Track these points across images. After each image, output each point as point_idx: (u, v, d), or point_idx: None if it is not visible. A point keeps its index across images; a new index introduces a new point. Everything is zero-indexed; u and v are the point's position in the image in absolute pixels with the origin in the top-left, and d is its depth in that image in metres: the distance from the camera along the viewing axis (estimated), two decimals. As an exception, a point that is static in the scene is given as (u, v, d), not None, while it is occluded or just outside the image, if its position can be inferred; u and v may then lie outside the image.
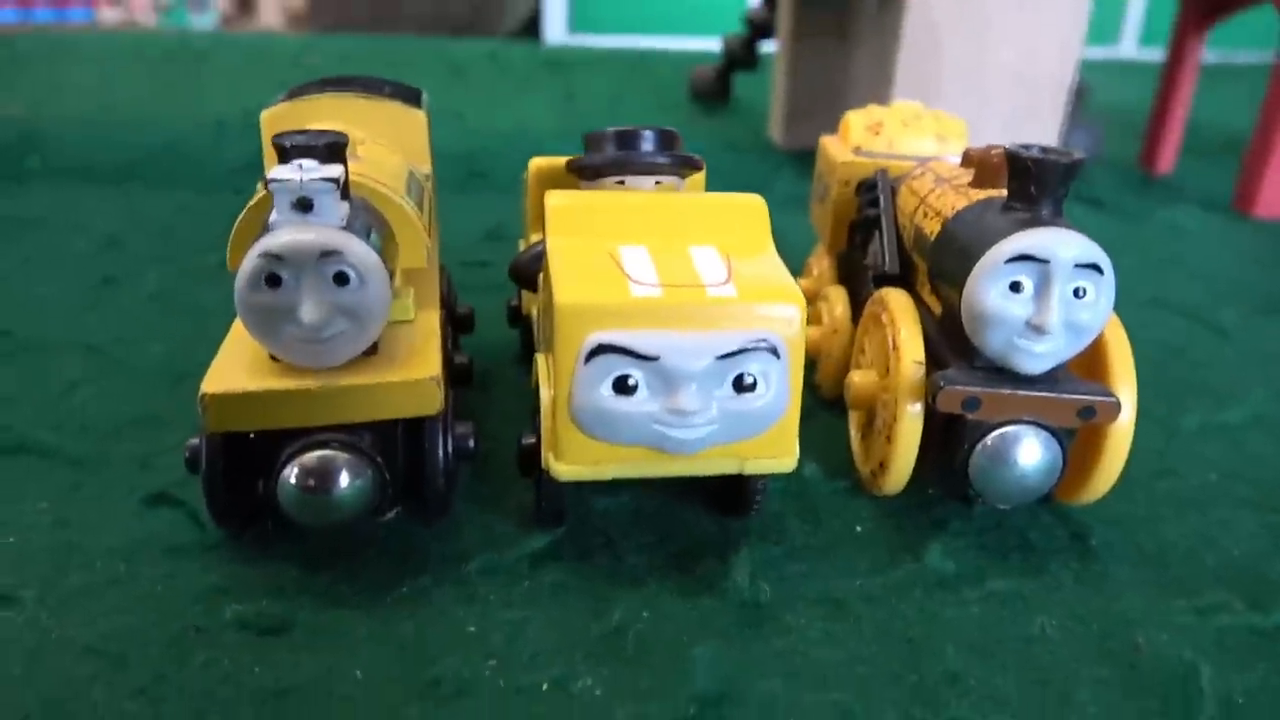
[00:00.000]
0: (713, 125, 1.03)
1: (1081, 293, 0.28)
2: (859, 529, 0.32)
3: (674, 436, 0.27)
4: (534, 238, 0.38)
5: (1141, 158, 0.87)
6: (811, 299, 0.44)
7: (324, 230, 0.25)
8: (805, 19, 0.87)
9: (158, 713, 0.23)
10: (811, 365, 0.42)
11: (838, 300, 0.39)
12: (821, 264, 0.44)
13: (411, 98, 0.38)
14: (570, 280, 0.27)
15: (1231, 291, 0.57)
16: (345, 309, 0.26)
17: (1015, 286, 0.28)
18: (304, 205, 0.25)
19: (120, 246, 0.56)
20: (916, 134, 0.42)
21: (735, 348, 0.26)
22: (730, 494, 0.31)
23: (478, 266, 0.54)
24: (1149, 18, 2.07)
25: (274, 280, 0.25)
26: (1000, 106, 0.68)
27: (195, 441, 0.29)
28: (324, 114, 0.35)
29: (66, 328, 0.45)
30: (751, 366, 0.27)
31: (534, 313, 0.38)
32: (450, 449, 0.29)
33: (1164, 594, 0.29)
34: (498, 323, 0.44)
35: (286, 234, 0.25)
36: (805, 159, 0.85)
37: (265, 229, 0.27)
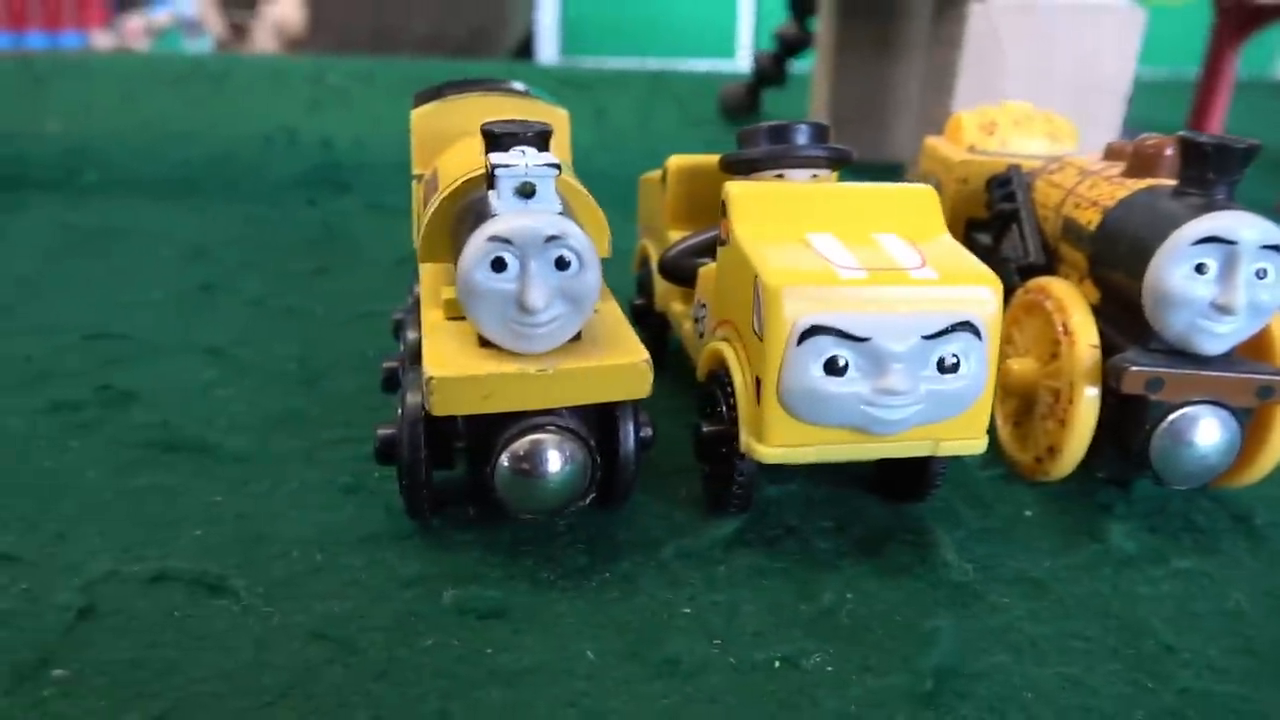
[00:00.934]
0: (749, 139, 1.04)
1: (1263, 274, 0.29)
2: (1028, 513, 0.32)
3: (881, 417, 0.27)
4: (672, 235, 0.39)
5: (1178, 167, 0.89)
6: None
7: (549, 215, 0.25)
8: (847, 30, 0.88)
9: (404, 694, 0.23)
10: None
11: (967, 294, 0.40)
12: (932, 262, 0.45)
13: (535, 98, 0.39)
14: (776, 265, 0.27)
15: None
16: (566, 293, 0.26)
17: (1200, 268, 0.29)
18: (527, 191, 0.26)
19: (208, 255, 0.56)
20: (1029, 133, 0.43)
21: (941, 327, 0.27)
22: (908, 478, 0.32)
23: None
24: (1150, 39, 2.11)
25: (499, 264, 0.25)
26: (1059, 112, 0.70)
27: (388, 431, 0.29)
28: (474, 112, 0.36)
29: (180, 331, 0.45)
30: (954, 347, 0.27)
31: (675, 309, 0.39)
32: (639, 436, 0.29)
33: (1342, 569, 0.30)
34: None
35: (516, 218, 0.25)
36: (852, 167, 0.87)
37: (470, 218, 0.27)
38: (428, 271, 0.33)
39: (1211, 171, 0.29)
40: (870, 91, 0.90)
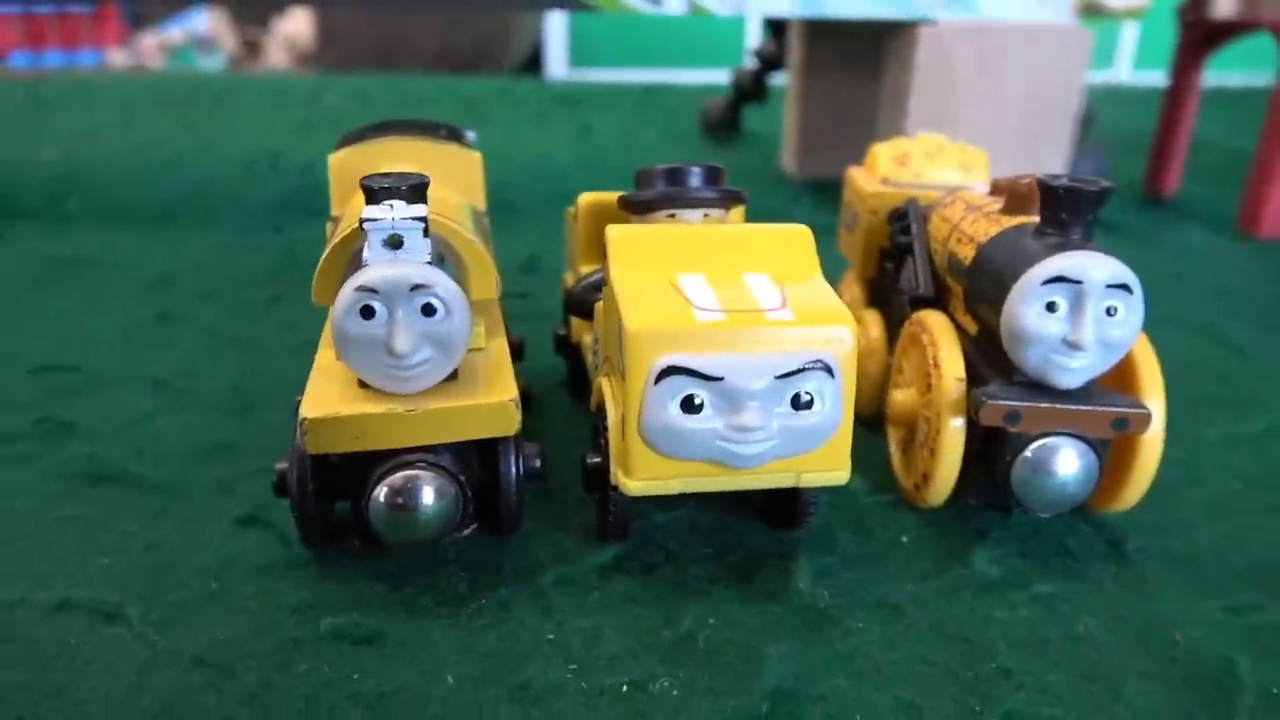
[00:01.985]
0: (726, 157, 1.05)
1: (1113, 311, 0.30)
2: (904, 539, 0.34)
3: (737, 452, 0.28)
4: (584, 269, 0.41)
5: (1147, 181, 0.90)
6: (844, 323, 0.46)
7: (415, 265, 0.27)
8: (816, 52, 0.89)
9: (269, 716, 0.25)
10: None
11: (872, 323, 0.41)
12: (852, 290, 0.46)
13: (459, 138, 0.41)
14: (638, 307, 0.29)
15: (1242, 309, 0.59)
16: (433, 338, 0.28)
17: (1051, 306, 0.30)
18: (395, 243, 0.27)
19: (171, 284, 0.59)
20: (941, 165, 0.44)
21: (794, 368, 0.28)
22: (783, 507, 0.33)
23: (518, 298, 0.56)
24: (1143, 43, 2.11)
25: (368, 311, 0.27)
26: (1011, 134, 0.71)
27: (284, 466, 0.31)
28: (389, 156, 0.38)
29: (131, 362, 0.47)
30: (808, 385, 0.28)
31: (585, 341, 0.40)
32: (521, 468, 0.31)
33: (1198, 594, 0.31)
34: (542, 351, 0.46)
35: (381, 269, 0.27)
36: (820, 188, 0.88)
37: (356, 265, 0.29)
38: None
39: (1065, 213, 0.30)
40: (841, 110, 0.91)
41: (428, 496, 0.28)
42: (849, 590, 0.31)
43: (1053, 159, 0.72)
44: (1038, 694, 0.26)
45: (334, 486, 0.30)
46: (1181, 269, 0.67)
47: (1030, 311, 0.30)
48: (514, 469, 0.31)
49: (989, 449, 0.32)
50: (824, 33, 0.88)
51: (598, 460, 0.32)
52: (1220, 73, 0.81)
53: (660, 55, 2.10)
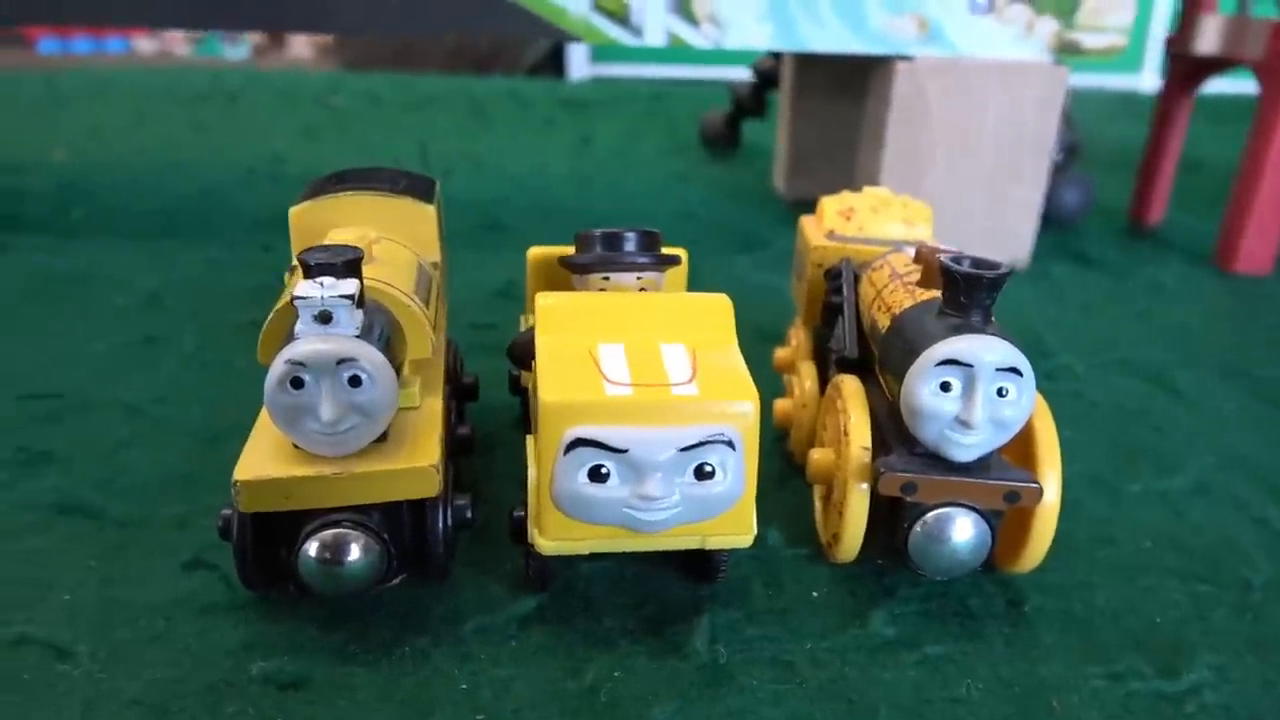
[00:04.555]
0: (719, 172, 1.07)
1: (1004, 392, 0.32)
2: (815, 594, 0.35)
3: (641, 519, 0.30)
4: (532, 319, 0.43)
5: (1132, 209, 0.90)
6: (787, 368, 0.47)
7: (341, 340, 0.29)
8: (806, 75, 0.91)
9: (194, 757, 0.27)
10: (784, 434, 0.46)
11: (807, 375, 0.43)
12: (799, 335, 0.48)
13: (424, 189, 0.43)
14: (553, 378, 0.31)
15: (1196, 353, 0.60)
16: (358, 407, 0.30)
17: (945, 386, 0.32)
18: (324, 318, 0.30)
19: (160, 304, 0.61)
20: (885, 219, 0.46)
21: (695, 440, 0.30)
22: (700, 563, 0.35)
23: (486, 329, 0.58)
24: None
25: (297, 383, 0.29)
26: (987, 169, 0.72)
27: (228, 512, 0.33)
28: (344, 210, 0.40)
29: (112, 388, 0.49)
30: (711, 457, 0.30)
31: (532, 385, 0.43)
32: (449, 521, 0.33)
33: (1083, 659, 0.33)
34: (500, 385, 0.48)
35: (309, 344, 0.29)
36: (808, 210, 0.89)
37: (291, 336, 0.31)
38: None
39: (963, 296, 0.32)
40: (829, 132, 0.92)
41: (353, 553, 0.30)
42: (749, 646, 0.33)
43: (1028, 192, 0.73)
44: (907, 757, 0.28)
45: (276, 535, 0.33)
46: (1149, 306, 0.68)
47: (925, 390, 0.32)
48: (440, 523, 0.33)
49: (892, 515, 0.34)
50: (814, 56, 0.89)
51: (522, 514, 0.34)
52: (1222, 79, 0.81)
53: (685, 50, 2.10)
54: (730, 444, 0.30)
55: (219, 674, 0.30)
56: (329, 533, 0.30)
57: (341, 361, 0.29)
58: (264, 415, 0.33)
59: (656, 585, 0.36)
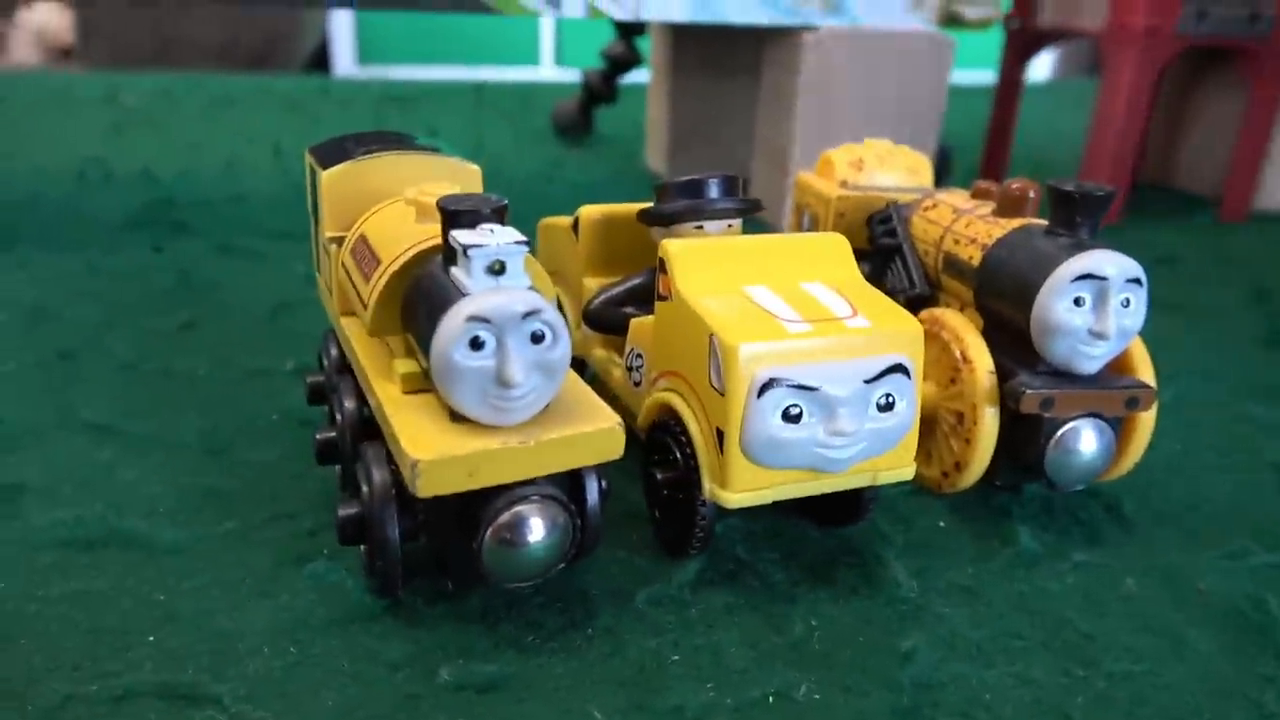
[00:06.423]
0: (586, 157, 1.06)
1: (1127, 303, 0.33)
2: (942, 524, 0.36)
3: (832, 457, 0.29)
4: (588, 284, 0.40)
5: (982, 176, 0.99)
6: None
7: (523, 292, 0.26)
8: (679, 51, 0.91)
9: (427, 782, 0.23)
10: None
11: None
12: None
13: (435, 151, 0.39)
14: (728, 323, 0.29)
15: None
16: (541, 366, 0.27)
17: (1078, 301, 0.33)
18: (498, 269, 0.26)
19: (52, 316, 0.52)
20: (891, 169, 0.47)
21: (879, 370, 0.29)
22: (841, 506, 0.34)
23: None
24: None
25: (476, 343, 0.26)
26: (888, 137, 0.76)
27: (351, 512, 0.29)
28: (388, 172, 0.36)
29: (51, 407, 0.41)
30: (890, 388, 0.30)
31: (597, 355, 0.40)
32: (603, 488, 0.30)
33: (1197, 545, 0.35)
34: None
35: (491, 296, 0.26)
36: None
37: (421, 293, 0.27)
38: (362, 341, 0.32)
39: (1078, 215, 0.34)
40: (706, 112, 0.94)
41: (547, 530, 0.27)
42: (921, 577, 0.32)
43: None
44: (1123, 653, 0.29)
45: (409, 527, 0.29)
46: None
47: (1061, 306, 0.33)
48: (598, 491, 0.30)
49: (1020, 434, 0.35)
50: (687, 35, 0.90)
51: (674, 474, 0.32)
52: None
53: (454, 51, 2.05)
54: (907, 372, 0.30)
55: (398, 689, 0.26)
56: (515, 510, 0.27)
57: (527, 314, 0.26)
58: (389, 392, 0.29)
59: (795, 535, 0.34)
